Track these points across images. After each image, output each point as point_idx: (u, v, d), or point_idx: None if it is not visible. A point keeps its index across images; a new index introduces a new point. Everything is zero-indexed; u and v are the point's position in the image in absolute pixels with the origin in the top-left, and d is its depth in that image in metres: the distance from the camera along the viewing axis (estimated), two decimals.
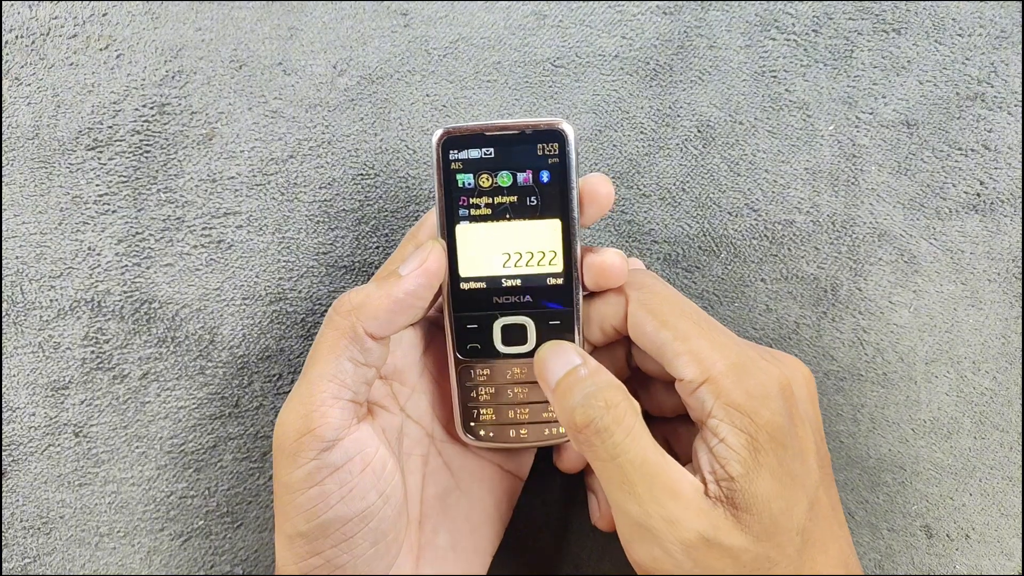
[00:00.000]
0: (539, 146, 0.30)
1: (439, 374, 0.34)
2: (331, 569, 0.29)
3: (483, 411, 0.33)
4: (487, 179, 0.30)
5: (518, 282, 0.31)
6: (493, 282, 0.31)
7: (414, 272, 0.29)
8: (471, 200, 0.30)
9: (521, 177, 0.30)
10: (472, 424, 0.33)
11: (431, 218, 0.32)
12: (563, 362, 0.29)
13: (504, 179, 0.30)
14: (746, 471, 0.26)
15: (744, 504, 0.26)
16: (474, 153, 0.30)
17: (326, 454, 0.28)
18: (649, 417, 0.35)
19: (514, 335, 0.32)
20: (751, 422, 0.27)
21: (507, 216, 0.31)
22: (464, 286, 0.31)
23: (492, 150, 0.30)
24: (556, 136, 0.30)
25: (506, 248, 0.31)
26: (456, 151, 0.30)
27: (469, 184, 0.30)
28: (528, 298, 0.31)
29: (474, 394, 0.32)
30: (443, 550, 0.32)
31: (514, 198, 0.30)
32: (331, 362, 0.29)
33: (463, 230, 0.31)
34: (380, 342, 0.29)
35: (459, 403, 0.33)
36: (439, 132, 0.30)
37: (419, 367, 0.33)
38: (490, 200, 0.30)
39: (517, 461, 0.35)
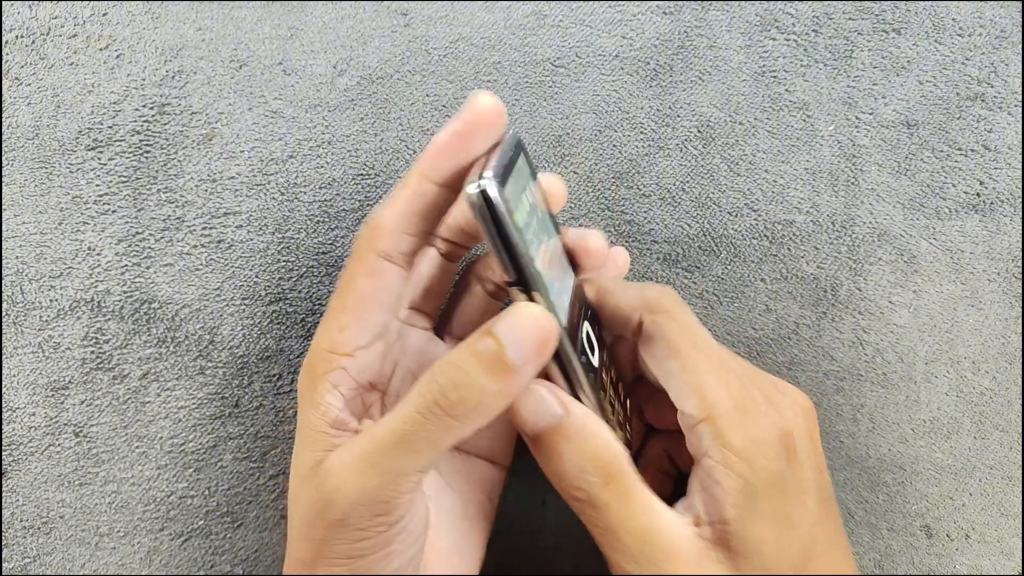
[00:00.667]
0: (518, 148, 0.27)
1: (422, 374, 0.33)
2: None
3: None
4: (526, 201, 0.26)
5: (570, 292, 0.28)
6: (562, 307, 0.27)
7: (533, 362, 0.25)
8: (527, 236, 0.25)
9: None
10: None
11: (418, 165, 0.28)
12: (540, 409, 0.28)
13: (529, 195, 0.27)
14: (740, 516, 0.27)
15: (739, 547, 0.27)
16: (511, 185, 0.25)
17: (397, 523, 0.27)
18: (652, 430, 0.35)
19: (588, 344, 0.29)
20: (747, 467, 0.27)
21: (547, 234, 0.27)
22: (571, 329, 0.27)
23: (516, 168, 0.26)
24: (517, 137, 0.28)
25: (562, 266, 0.28)
26: (502, 187, 0.24)
27: (525, 221, 0.25)
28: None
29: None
30: (447, 552, 0.32)
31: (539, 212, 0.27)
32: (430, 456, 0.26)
33: (542, 273, 0.25)
34: None
35: None
36: (483, 181, 0.23)
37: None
38: (529, 221, 0.26)
39: (500, 450, 0.35)
